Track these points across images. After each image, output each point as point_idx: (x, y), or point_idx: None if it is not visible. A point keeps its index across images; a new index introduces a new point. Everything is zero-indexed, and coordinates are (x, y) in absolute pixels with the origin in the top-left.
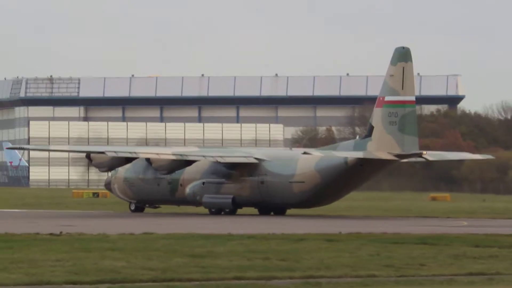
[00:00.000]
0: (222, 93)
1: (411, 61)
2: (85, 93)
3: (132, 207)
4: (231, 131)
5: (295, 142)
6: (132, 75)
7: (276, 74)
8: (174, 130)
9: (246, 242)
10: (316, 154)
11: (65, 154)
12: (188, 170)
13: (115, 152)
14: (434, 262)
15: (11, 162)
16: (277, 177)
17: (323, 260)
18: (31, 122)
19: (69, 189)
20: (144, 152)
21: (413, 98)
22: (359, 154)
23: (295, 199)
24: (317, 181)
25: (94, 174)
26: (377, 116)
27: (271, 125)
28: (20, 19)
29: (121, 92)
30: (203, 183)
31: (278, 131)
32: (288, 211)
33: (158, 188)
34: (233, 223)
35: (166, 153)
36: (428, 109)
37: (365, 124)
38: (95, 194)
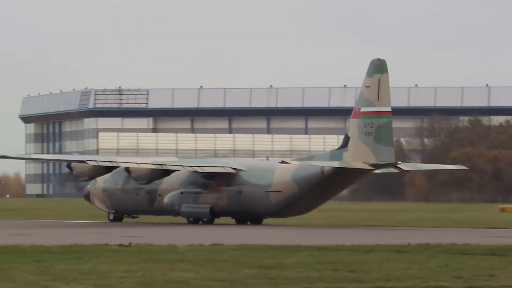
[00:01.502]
0: (290, 104)
1: (387, 72)
2: (153, 104)
3: (111, 217)
4: (300, 142)
5: None
6: (201, 87)
7: (345, 85)
8: (242, 141)
9: (315, 253)
10: (293, 163)
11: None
12: (167, 180)
13: (95, 161)
14: (503, 273)
15: None
16: (254, 187)
17: (392, 272)
18: (100, 134)
19: None
20: (124, 161)
21: (389, 109)
22: (335, 164)
23: (272, 209)
24: (294, 191)
25: None
26: (353, 127)
27: (340, 136)
28: (89, 31)
29: (189, 103)
30: (181, 193)
31: None
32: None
33: (136, 198)
34: (301, 234)
35: (146, 163)
36: (497, 120)
37: (434, 136)
38: None
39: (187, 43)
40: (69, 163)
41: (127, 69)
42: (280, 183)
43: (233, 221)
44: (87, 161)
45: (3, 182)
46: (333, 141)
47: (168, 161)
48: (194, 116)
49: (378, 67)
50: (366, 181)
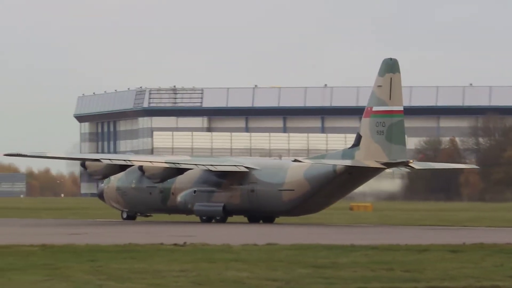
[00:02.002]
0: (345, 103)
1: (398, 72)
2: (208, 103)
3: (124, 216)
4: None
5: (418, 153)
6: (255, 86)
7: None
8: (297, 140)
9: (370, 253)
10: (306, 162)
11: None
12: (180, 179)
13: (109, 159)
14: None
15: None
16: (267, 186)
17: (447, 271)
18: (154, 133)
19: None
20: (138, 160)
21: (400, 108)
22: (347, 162)
23: (284, 207)
24: (306, 189)
25: None
26: (365, 125)
27: None
28: (143, 30)
29: (244, 102)
30: (195, 191)
31: None
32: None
33: (150, 196)
34: (355, 233)
35: (159, 161)
36: None
37: (489, 135)
38: None
39: (242, 42)
40: (83, 162)
41: (181, 68)
42: (293, 182)
43: (245, 219)
44: (101, 160)
45: (58, 181)
46: None
47: (181, 159)
48: (248, 115)
49: (390, 67)
50: (421, 181)
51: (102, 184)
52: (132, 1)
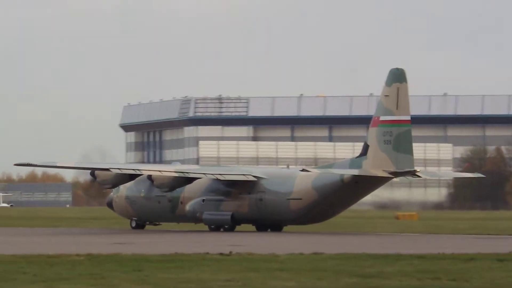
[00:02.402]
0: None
1: (406, 81)
2: (253, 112)
3: (133, 224)
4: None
5: (464, 162)
6: (301, 95)
7: (445, 93)
8: (343, 149)
9: (416, 262)
10: (313, 171)
11: None
12: (189, 188)
13: (119, 169)
14: None
15: None
16: (275, 195)
17: (494, 280)
18: (200, 142)
19: None
20: (147, 169)
21: (408, 118)
22: (355, 172)
23: (292, 216)
24: (314, 198)
25: None
26: (372, 135)
27: (440, 144)
28: (189, 40)
29: (290, 111)
30: (203, 200)
31: (447, 150)
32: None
33: (159, 205)
34: (401, 243)
35: (169, 170)
36: None
37: None
38: None
39: (286, 51)
40: (92, 171)
41: (227, 77)
42: (301, 191)
43: (253, 228)
44: (111, 169)
45: (104, 191)
46: (433, 149)
47: (190, 169)
48: (294, 124)
49: (398, 76)
50: (466, 190)
51: (112, 193)
52: (179, 11)
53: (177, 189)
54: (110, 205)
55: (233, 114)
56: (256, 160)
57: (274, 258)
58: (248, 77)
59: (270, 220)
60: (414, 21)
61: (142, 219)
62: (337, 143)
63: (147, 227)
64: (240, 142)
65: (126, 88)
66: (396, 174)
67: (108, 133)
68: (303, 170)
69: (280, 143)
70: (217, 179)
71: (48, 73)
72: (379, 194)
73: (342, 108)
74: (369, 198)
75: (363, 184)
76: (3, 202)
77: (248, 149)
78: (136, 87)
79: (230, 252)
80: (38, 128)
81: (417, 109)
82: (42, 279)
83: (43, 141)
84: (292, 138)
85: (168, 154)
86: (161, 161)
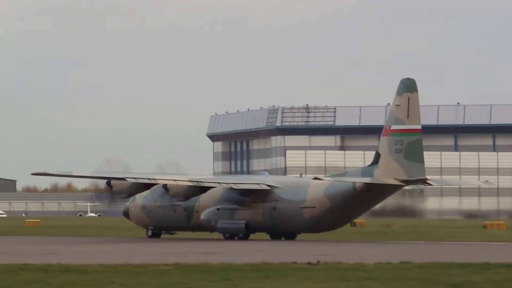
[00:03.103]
0: (478, 121)
1: (416, 91)
2: (341, 122)
3: (149, 233)
4: (487, 159)
5: None
6: (388, 104)
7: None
8: (431, 158)
9: (504, 271)
10: (326, 180)
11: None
12: (203, 197)
13: (134, 178)
14: None
15: None
16: (288, 203)
17: None
18: (287, 152)
19: None
20: (162, 178)
21: (418, 127)
22: (367, 180)
23: (305, 224)
24: (327, 206)
25: None
26: (383, 144)
27: (500, 153)
28: (274, 49)
29: (377, 121)
30: (218, 209)
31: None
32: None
33: (174, 214)
34: (489, 252)
35: (183, 180)
36: None
37: None
38: (352, 224)
39: (374, 60)
40: (108, 181)
41: (314, 86)
42: (314, 199)
43: (267, 236)
44: (126, 178)
45: None
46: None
47: (204, 178)
48: (381, 134)
49: (408, 86)
50: None
51: (128, 203)
52: (267, 20)
53: (192, 198)
54: (126, 214)
55: (320, 123)
56: (344, 170)
57: (361, 267)
58: (335, 87)
59: (283, 228)
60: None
61: (158, 228)
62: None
63: (163, 236)
64: (328, 152)
65: (213, 98)
66: (407, 182)
67: (195, 143)
68: (315, 178)
69: (367, 152)
70: (232, 188)
71: (136, 83)
72: (468, 203)
73: (429, 117)
74: (456, 207)
75: (375, 192)
76: (91, 212)
77: (336, 158)
78: (223, 97)
79: (318, 262)
80: (131, 138)
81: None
82: None
83: (134, 151)
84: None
85: (255, 163)
86: (248, 171)
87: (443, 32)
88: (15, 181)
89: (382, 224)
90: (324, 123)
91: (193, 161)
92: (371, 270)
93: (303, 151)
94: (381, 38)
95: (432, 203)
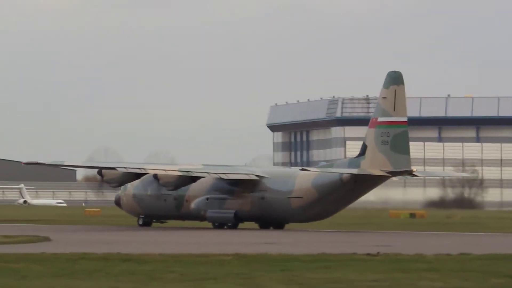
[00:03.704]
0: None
1: (403, 84)
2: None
3: (140, 222)
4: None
5: None
6: (448, 95)
7: None
8: (490, 150)
9: None
10: (313, 170)
11: None
12: (193, 187)
13: (125, 168)
14: None
15: None
16: (276, 193)
17: None
18: (347, 142)
19: (386, 209)
20: (152, 168)
21: (404, 119)
22: (353, 171)
23: (293, 214)
24: (314, 197)
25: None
26: (370, 136)
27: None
28: (337, 39)
29: (437, 112)
30: (207, 198)
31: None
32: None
33: (165, 203)
34: None
35: (173, 170)
36: None
37: None
38: (412, 215)
39: (434, 50)
40: (99, 170)
41: (374, 77)
42: (301, 190)
43: (256, 226)
44: (117, 168)
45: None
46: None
47: (194, 168)
48: (441, 125)
49: (395, 79)
50: None
51: (119, 192)
52: (324, 10)
53: (182, 188)
54: (118, 203)
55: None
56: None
57: (421, 258)
58: None
59: (271, 218)
60: None
61: (149, 216)
62: (484, 144)
63: (154, 224)
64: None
65: (274, 88)
66: (393, 173)
67: (255, 133)
68: (302, 169)
69: (427, 143)
70: (221, 178)
71: (196, 74)
72: None
73: (489, 108)
74: None
75: (362, 183)
76: None
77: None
78: (283, 87)
79: (378, 253)
80: (196, 130)
81: None
82: (189, 278)
83: (193, 142)
84: (440, 139)
85: (315, 154)
86: (308, 162)
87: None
88: (75, 170)
89: (442, 215)
90: None
91: (253, 151)
92: (431, 261)
93: (361, 142)
94: (440, 27)
95: (492, 195)
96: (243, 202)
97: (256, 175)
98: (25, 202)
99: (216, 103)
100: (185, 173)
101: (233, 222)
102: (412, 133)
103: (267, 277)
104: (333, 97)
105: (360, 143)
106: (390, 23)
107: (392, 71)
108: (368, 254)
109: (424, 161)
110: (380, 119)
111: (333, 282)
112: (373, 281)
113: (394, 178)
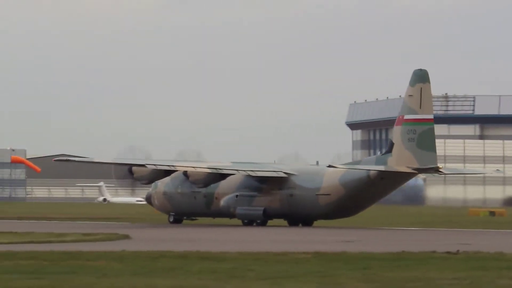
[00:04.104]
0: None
1: (428, 82)
2: (480, 111)
3: (171, 219)
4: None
5: None
6: None
7: None
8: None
9: None
10: (340, 167)
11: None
12: (223, 184)
13: (154, 165)
14: None
15: None
16: (304, 190)
17: None
18: None
19: (465, 207)
20: (182, 165)
21: (431, 116)
22: (380, 168)
23: (321, 211)
24: (341, 194)
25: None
26: (397, 133)
27: None
28: (416, 37)
29: None
30: (237, 196)
31: None
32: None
33: (195, 201)
34: None
35: (202, 167)
36: None
37: None
38: (491, 213)
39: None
40: (130, 167)
41: (453, 75)
42: (329, 187)
43: (285, 223)
44: (146, 165)
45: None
46: None
47: (223, 165)
48: None
49: (421, 77)
50: None
51: (151, 189)
52: (416, 6)
53: (212, 185)
54: (149, 200)
55: (459, 112)
56: (483, 159)
57: (501, 256)
58: (474, 75)
59: (300, 215)
60: None
61: (180, 214)
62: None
63: (184, 221)
64: (467, 141)
65: (352, 86)
66: (419, 170)
67: (334, 131)
68: (329, 166)
69: (507, 142)
70: (250, 176)
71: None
72: None
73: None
74: None
75: (388, 180)
76: None
77: (475, 148)
78: (362, 85)
79: (457, 251)
80: (280, 127)
81: None
82: (268, 276)
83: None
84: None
85: None
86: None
87: None
88: None
89: None
90: (463, 112)
91: (332, 149)
92: (511, 259)
93: (442, 140)
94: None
95: None
96: (271, 199)
97: (285, 172)
98: (104, 200)
99: (295, 97)
100: (213, 170)
101: (262, 219)
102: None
103: (346, 276)
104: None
105: (440, 141)
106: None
107: (418, 69)
108: (448, 252)
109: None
110: (407, 117)
111: (412, 280)
112: (453, 279)
113: (420, 175)
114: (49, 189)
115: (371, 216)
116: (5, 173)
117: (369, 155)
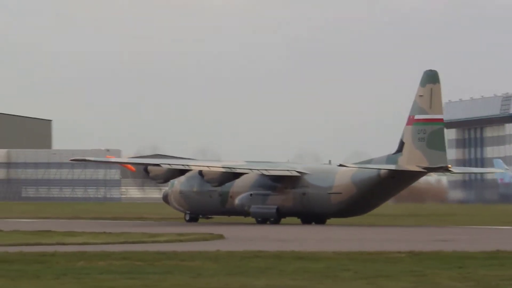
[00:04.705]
0: None
1: (439, 82)
2: None
3: (187, 218)
4: None
5: None
6: None
7: None
8: None
9: None
10: (352, 167)
11: None
12: (237, 183)
13: (169, 164)
14: None
15: (501, 179)
16: (317, 189)
17: None
18: None
19: None
20: (196, 165)
21: (440, 117)
22: (391, 167)
23: (333, 209)
24: (353, 192)
25: None
26: (407, 133)
27: None
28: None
29: None
30: (251, 194)
31: None
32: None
33: (210, 199)
34: None
35: (217, 166)
36: None
37: None
38: None
39: None
40: (145, 167)
41: None
42: (341, 185)
43: (298, 221)
44: (162, 165)
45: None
46: None
47: (237, 164)
48: None
49: (431, 78)
50: None
51: (167, 188)
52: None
53: (226, 184)
54: (165, 199)
55: None
56: None
57: None
58: None
59: (312, 213)
60: None
61: (195, 212)
62: None
63: (200, 220)
64: None
65: (448, 85)
66: (429, 169)
67: None
68: (340, 165)
69: None
70: (263, 175)
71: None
72: None
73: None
74: None
75: (399, 179)
76: None
77: None
78: (457, 83)
79: None
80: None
81: None
82: (363, 276)
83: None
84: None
85: (490, 151)
86: (482, 159)
87: None
88: None
89: None
90: None
91: None
92: None
93: None
94: None
95: None
96: (285, 197)
97: (298, 171)
98: None
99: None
100: (228, 170)
101: (275, 218)
102: None
103: (441, 275)
104: (507, 93)
105: None
106: None
107: (429, 70)
108: None
109: None
110: (417, 117)
111: (507, 279)
112: None
113: (431, 174)
114: (143, 189)
115: (465, 214)
116: (99, 174)
117: (464, 154)
